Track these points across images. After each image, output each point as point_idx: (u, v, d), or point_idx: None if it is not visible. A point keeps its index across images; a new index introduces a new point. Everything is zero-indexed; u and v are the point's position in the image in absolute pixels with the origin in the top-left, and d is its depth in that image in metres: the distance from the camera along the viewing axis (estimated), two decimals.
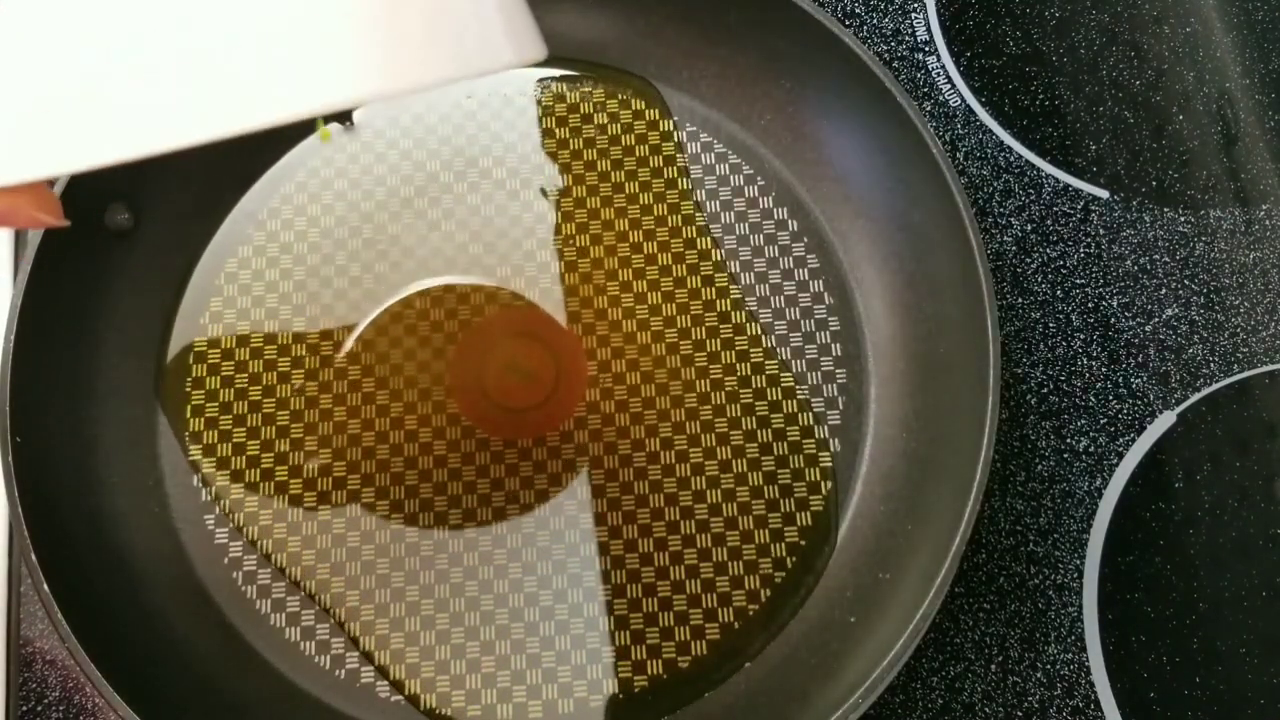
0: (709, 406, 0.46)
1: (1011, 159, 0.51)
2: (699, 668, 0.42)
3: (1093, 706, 0.43)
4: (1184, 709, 0.43)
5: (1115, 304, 0.49)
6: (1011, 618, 0.44)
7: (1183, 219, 0.50)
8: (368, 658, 0.42)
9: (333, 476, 0.45)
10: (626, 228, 0.48)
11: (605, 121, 0.50)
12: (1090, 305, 0.49)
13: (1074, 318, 0.49)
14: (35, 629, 0.44)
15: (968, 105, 0.52)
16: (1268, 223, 0.50)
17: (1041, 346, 0.48)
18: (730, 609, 0.43)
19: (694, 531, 0.44)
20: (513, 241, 0.48)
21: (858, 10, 0.54)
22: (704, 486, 0.45)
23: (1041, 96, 0.53)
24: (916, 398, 0.45)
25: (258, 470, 0.45)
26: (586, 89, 0.50)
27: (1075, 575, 0.44)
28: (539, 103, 0.50)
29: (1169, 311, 0.49)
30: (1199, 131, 0.52)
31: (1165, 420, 0.47)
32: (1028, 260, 0.49)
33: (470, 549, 0.44)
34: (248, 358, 0.46)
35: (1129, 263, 0.49)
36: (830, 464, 0.45)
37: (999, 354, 0.41)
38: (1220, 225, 0.50)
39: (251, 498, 0.44)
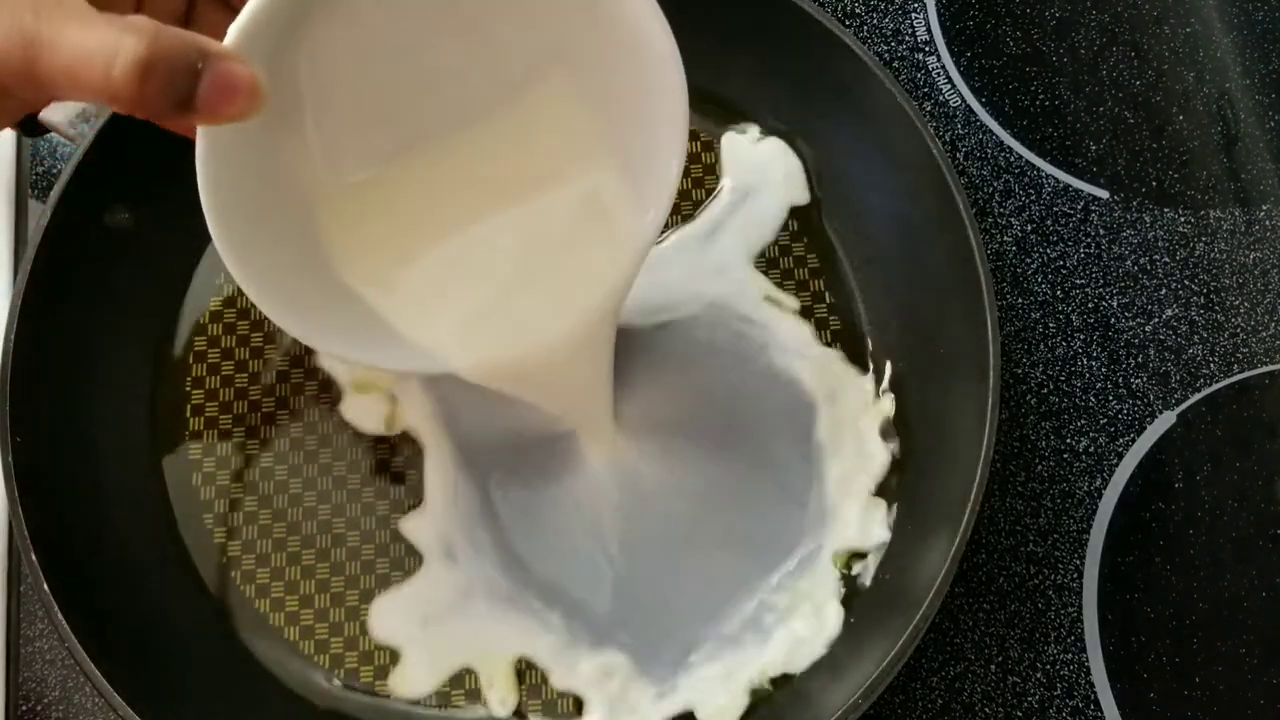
0: None
1: (1011, 159, 0.51)
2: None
3: (1093, 706, 0.43)
4: (1184, 709, 0.43)
5: (1115, 304, 0.49)
6: (1011, 618, 0.44)
7: (1183, 219, 0.50)
8: (366, 657, 0.42)
9: (332, 476, 0.44)
10: None
11: None
12: (1090, 305, 0.49)
13: (1074, 318, 0.49)
14: (35, 629, 0.44)
15: (968, 105, 0.52)
16: (1268, 223, 0.50)
17: (1041, 346, 0.48)
18: None
19: None
20: None
21: (858, 10, 0.54)
22: None
23: (1041, 96, 0.53)
24: (917, 398, 0.45)
25: (257, 470, 0.45)
26: None
27: (1075, 575, 0.44)
28: None
29: (1169, 311, 0.49)
30: (1199, 131, 0.52)
31: (1165, 420, 0.47)
32: (1028, 260, 0.49)
33: None
34: (248, 357, 0.46)
35: (1129, 263, 0.49)
36: None
37: (999, 354, 0.41)
38: (1220, 225, 0.50)
39: (251, 498, 0.44)
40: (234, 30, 0.30)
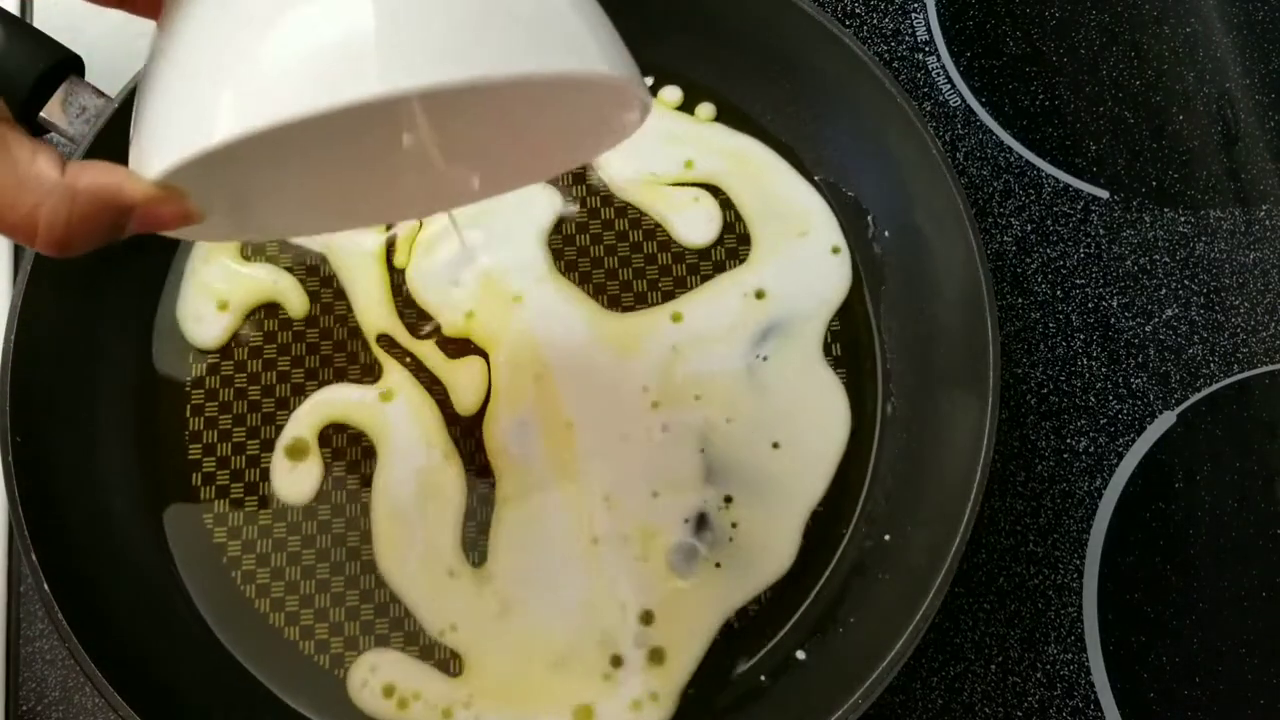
0: None
1: (1011, 159, 0.51)
2: (700, 668, 0.42)
3: (1093, 706, 0.43)
4: (1184, 709, 0.43)
5: (1115, 304, 0.49)
6: (1011, 618, 0.44)
7: (1183, 219, 0.50)
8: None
9: (333, 476, 0.45)
10: (626, 227, 0.48)
11: None
12: (1090, 305, 0.49)
13: (1074, 318, 0.49)
14: (35, 629, 0.44)
15: (968, 105, 0.52)
16: (1268, 223, 0.50)
17: (1041, 346, 0.48)
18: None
19: None
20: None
21: (858, 10, 0.54)
22: None
23: (1041, 96, 0.53)
24: (917, 398, 0.45)
25: (257, 470, 0.45)
26: None
27: (1075, 575, 0.44)
28: None
29: (1169, 311, 0.49)
30: (1199, 131, 0.52)
31: (1165, 420, 0.47)
32: (1028, 260, 0.49)
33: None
34: (247, 357, 0.46)
35: (1129, 263, 0.49)
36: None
37: (999, 354, 0.41)
38: (1220, 225, 0.50)
39: (251, 497, 0.44)
40: (161, 166, 0.26)
